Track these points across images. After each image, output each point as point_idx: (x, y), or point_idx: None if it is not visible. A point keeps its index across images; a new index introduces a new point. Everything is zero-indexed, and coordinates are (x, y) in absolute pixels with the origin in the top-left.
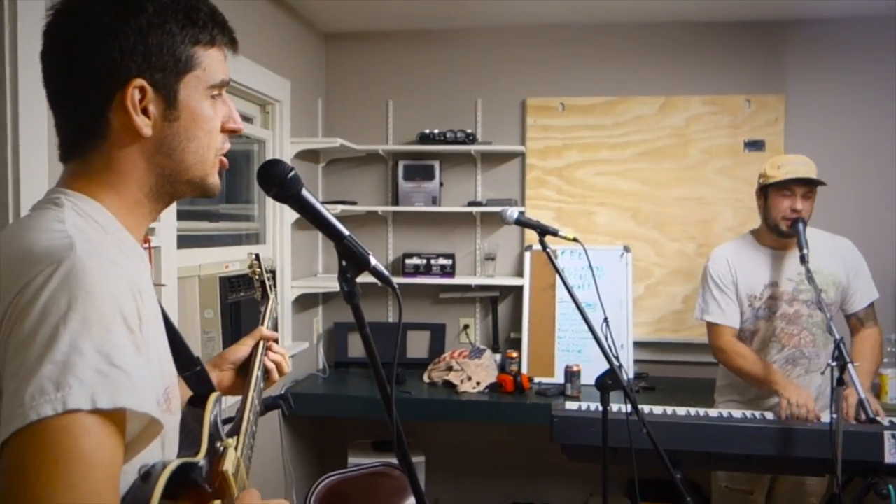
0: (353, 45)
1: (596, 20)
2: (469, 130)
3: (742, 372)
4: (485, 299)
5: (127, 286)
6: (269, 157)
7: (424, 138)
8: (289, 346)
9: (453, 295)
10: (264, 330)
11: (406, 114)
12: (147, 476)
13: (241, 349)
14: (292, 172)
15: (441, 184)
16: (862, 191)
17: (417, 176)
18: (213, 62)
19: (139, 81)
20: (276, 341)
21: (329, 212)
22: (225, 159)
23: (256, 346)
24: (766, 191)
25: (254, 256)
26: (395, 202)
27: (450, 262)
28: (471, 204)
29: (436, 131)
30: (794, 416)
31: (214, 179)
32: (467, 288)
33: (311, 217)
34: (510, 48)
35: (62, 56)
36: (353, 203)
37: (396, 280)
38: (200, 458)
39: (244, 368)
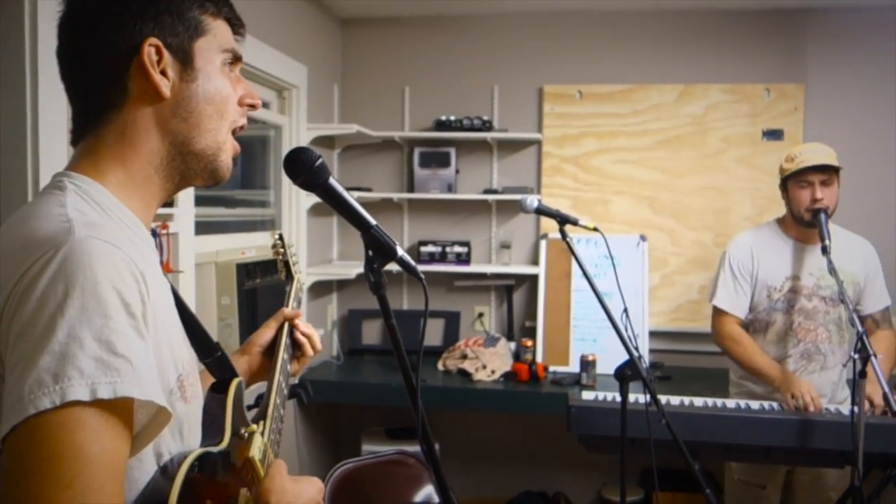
0: (370, 31)
1: (614, 7)
2: (485, 118)
3: (744, 362)
4: (500, 287)
5: (128, 269)
6: (285, 142)
7: (440, 125)
8: None
9: (468, 283)
10: (286, 310)
11: (422, 100)
12: (165, 469)
13: (267, 332)
14: (320, 160)
15: (457, 171)
16: (883, 182)
17: (433, 163)
18: (222, 30)
19: (154, 40)
20: (298, 318)
21: (355, 200)
22: (237, 145)
23: (281, 328)
24: (786, 184)
25: (277, 236)
26: (411, 189)
27: (465, 249)
28: (486, 192)
29: (452, 118)
30: (802, 408)
31: (227, 159)
32: (482, 276)
33: (338, 206)
34: (527, 34)
35: (77, 30)
36: (369, 190)
37: None
38: (224, 446)
39: (272, 351)
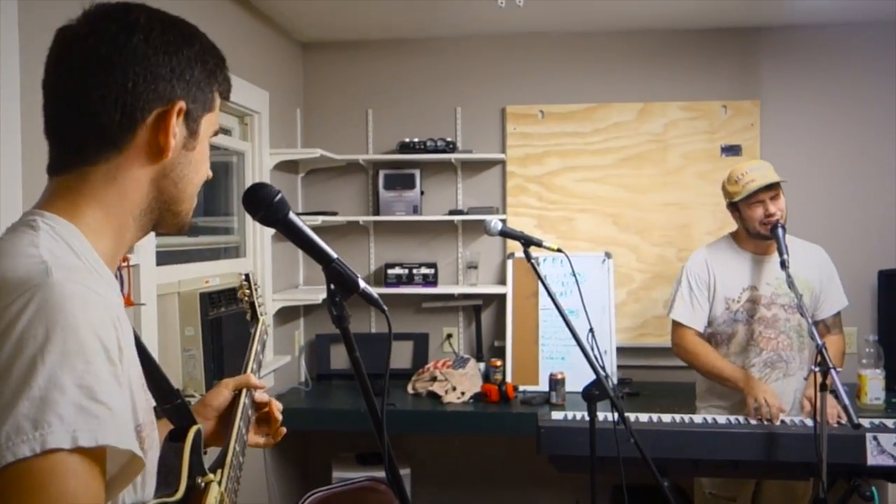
0: (332, 55)
1: (573, 28)
2: (449, 139)
3: (706, 370)
4: (468, 308)
5: (107, 314)
6: (248, 168)
7: (405, 147)
8: (271, 360)
9: (436, 304)
10: (251, 377)
11: (386, 123)
12: None
13: (224, 393)
14: (279, 196)
15: (422, 193)
16: (836, 194)
17: (398, 185)
18: (218, 110)
19: (182, 104)
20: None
21: (315, 233)
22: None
23: (240, 391)
24: (736, 206)
25: (243, 277)
26: (376, 212)
27: (432, 271)
28: (452, 212)
29: (416, 140)
30: (763, 416)
31: (191, 216)
32: (450, 297)
33: (298, 240)
34: (489, 56)
35: (109, 61)
36: (334, 213)
37: (378, 290)
38: (179, 496)
39: (226, 418)
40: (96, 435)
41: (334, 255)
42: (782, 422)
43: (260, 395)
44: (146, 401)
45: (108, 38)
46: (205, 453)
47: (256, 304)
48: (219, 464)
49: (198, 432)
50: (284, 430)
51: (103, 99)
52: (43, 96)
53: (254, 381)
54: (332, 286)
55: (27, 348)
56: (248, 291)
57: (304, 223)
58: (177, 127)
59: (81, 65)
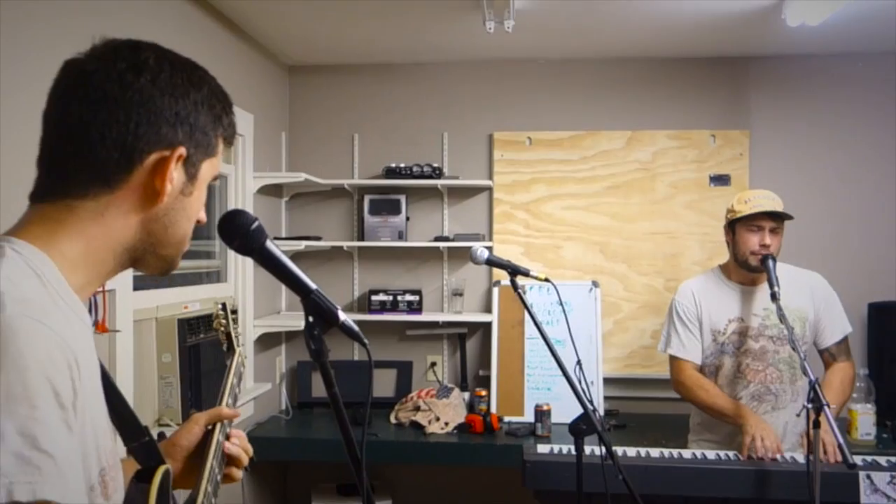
0: (318, 78)
1: (562, 55)
2: (436, 164)
3: (704, 405)
4: (452, 336)
5: (61, 354)
6: (230, 192)
7: (391, 172)
8: (251, 388)
9: (420, 332)
10: (224, 409)
11: (372, 147)
12: None
13: (194, 430)
14: (255, 223)
15: (407, 218)
16: (825, 225)
17: (384, 210)
18: (220, 155)
19: (183, 150)
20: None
21: (297, 260)
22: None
23: (214, 427)
24: (734, 226)
25: (220, 307)
26: (361, 237)
27: (416, 298)
28: (438, 239)
29: (402, 165)
30: (758, 456)
31: (179, 261)
32: (434, 324)
33: (275, 270)
34: (476, 82)
35: (113, 100)
36: (318, 238)
37: (362, 317)
38: None
39: (196, 458)
40: (35, 488)
41: (313, 286)
42: (774, 458)
43: (232, 432)
44: (112, 440)
45: (115, 76)
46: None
47: (233, 335)
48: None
49: (166, 473)
50: (239, 473)
51: (103, 137)
52: (42, 127)
53: (225, 412)
54: (311, 318)
55: None
56: (224, 322)
57: (283, 253)
58: (175, 172)
59: (85, 101)
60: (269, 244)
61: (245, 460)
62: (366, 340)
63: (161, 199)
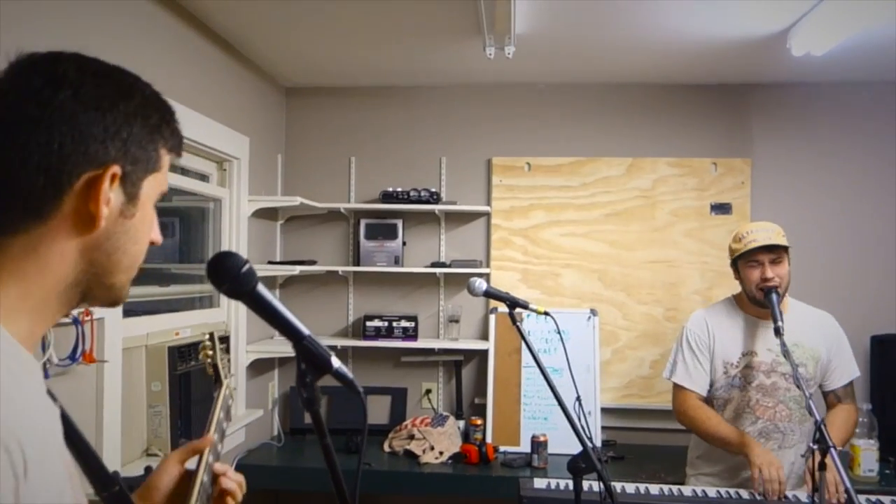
0: (316, 101)
1: (562, 80)
2: (433, 189)
3: (707, 434)
4: (448, 363)
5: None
6: (224, 215)
7: (387, 197)
8: (243, 415)
9: (416, 359)
10: (194, 442)
11: (369, 171)
12: None
13: (171, 471)
14: (246, 266)
15: (404, 243)
16: (828, 257)
17: (380, 235)
18: (166, 167)
19: (116, 168)
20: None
21: (286, 307)
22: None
23: (199, 464)
24: (737, 264)
25: (207, 337)
26: (357, 262)
27: (412, 324)
28: (434, 265)
29: (399, 190)
30: (766, 491)
31: (128, 289)
32: (430, 351)
33: (267, 315)
34: (475, 106)
35: (31, 120)
36: (313, 262)
37: (356, 343)
38: None
39: (176, 500)
40: None
41: (306, 332)
42: (780, 497)
43: (218, 467)
44: (74, 496)
45: (31, 93)
46: None
47: (220, 367)
48: None
49: None
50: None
51: (25, 162)
52: None
53: (196, 443)
54: (303, 365)
55: None
56: (210, 353)
57: (274, 296)
58: (111, 193)
59: (1, 125)
60: (261, 288)
61: (240, 496)
62: (360, 388)
63: (97, 225)
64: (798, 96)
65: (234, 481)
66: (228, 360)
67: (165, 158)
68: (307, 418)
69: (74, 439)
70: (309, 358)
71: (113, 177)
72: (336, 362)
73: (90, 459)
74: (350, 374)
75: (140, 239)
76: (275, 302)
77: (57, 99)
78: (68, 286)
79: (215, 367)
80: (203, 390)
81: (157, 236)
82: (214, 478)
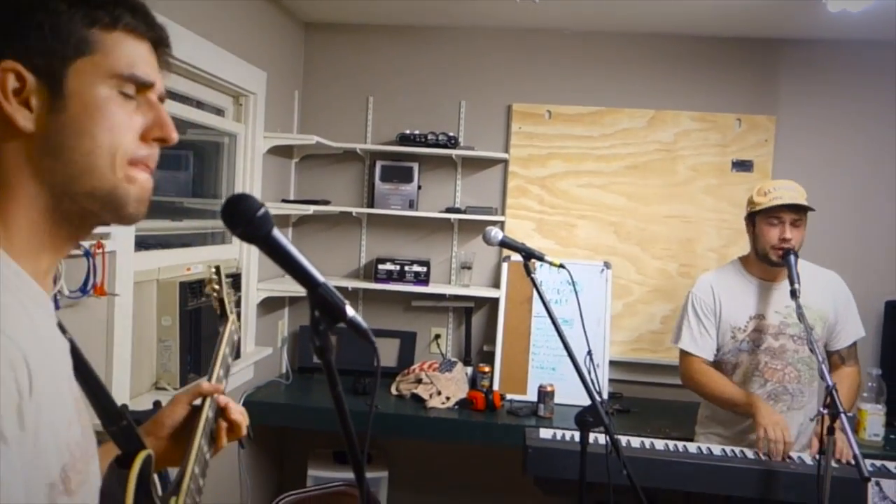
0: (335, 37)
1: (588, 27)
2: (451, 133)
3: (714, 396)
4: (458, 309)
5: (4, 357)
6: (240, 150)
7: (404, 139)
8: (252, 352)
9: (426, 303)
10: (204, 385)
11: (386, 112)
12: None
13: (178, 410)
14: (262, 210)
15: (419, 187)
16: (846, 218)
17: (395, 178)
18: (121, 49)
19: (11, 64)
20: (223, 393)
21: (300, 251)
22: (145, 183)
23: (203, 403)
24: (754, 218)
25: (213, 270)
26: (371, 204)
27: (424, 269)
28: (449, 210)
29: (416, 132)
30: (770, 451)
31: (126, 193)
32: (441, 297)
33: (281, 260)
34: (498, 51)
35: None
36: (327, 203)
37: (368, 286)
38: None
39: (182, 434)
40: None
41: (321, 279)
42: (784, 459)
43: (223, 399)
44: (81, 430)
45: None
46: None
47: (226, 301)
48: (175, 488)
49: (146, 459)
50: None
51: None
52: None
53: (205, 387)
54: (316, 313)
55: None
56: (216, 287)
57: (288, 240)
58: (27, 95)
59: None
60: (276, 233)
61: (244, 429)
62: (374, 339)
63: (19, 126)
64: (828, 54)
65: (239, 412)
66: (238, 297)
67: (105, 37)
68: (315, 357)
69: (84, 373)
70: (323, 306)
71: (18, 76)
72: (350, 311)
73: (99, 393)
74: (364, 324)
75: (87, 131)
76: (289, 247)
77: None
78: (47, 205)
79: (221, 301)
80: (213, 326)
81: (161, 132)
82: (219, 413)
